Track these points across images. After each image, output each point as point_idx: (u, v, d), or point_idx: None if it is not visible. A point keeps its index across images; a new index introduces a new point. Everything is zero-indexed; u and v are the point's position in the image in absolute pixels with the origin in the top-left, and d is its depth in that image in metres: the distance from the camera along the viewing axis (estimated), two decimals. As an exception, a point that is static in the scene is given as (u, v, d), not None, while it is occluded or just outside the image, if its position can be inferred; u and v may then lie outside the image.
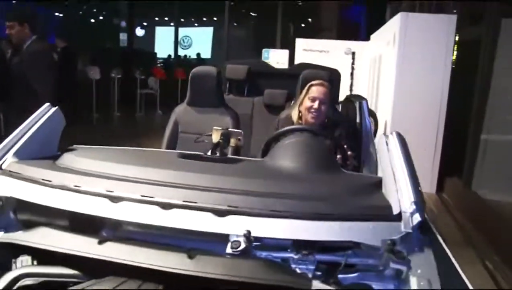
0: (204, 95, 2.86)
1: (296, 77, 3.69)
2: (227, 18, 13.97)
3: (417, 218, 1.30)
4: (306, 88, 2.53)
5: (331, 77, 3.72)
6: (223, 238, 1.28)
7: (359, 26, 15.94)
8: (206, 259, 1.18)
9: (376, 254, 1.29)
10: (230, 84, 3.72)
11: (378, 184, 1.63)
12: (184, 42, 22.39)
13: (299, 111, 2.55)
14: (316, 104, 2.44)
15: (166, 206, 1.29)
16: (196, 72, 2.87)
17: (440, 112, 5.42)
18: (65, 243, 1.25)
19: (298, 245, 1.27)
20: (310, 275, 1.24)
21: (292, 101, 3.43)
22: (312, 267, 1.26)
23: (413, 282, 1.18)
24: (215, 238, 1.30)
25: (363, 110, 3.37)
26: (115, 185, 1.38)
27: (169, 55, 18.52)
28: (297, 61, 11.76)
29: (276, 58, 12.02)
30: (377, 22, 12.52)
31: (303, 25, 18.53)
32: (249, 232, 1.20)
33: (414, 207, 1.32)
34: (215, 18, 22.08)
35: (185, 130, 2.90)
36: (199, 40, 22.27)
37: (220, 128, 1.93)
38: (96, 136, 7.61)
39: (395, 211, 1.33)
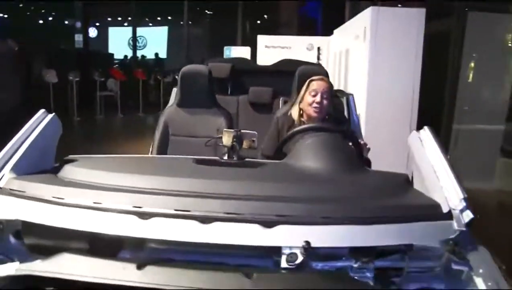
0: (195, 95, 2.73)
1: (280, 74, 3.61)
2: (186, 17, 13.73)
3: (468, 215, 1.27)
4: (306, 84, 2.46)
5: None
6: (271, 251, 1.19)
7: (316, 21, 16.08)
8: (266, 277, 1.08)
9: (433, 256, 1.24)
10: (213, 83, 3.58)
11: (406, 180, 1.59)
12: (138, 42, 21.85)
13: (300, 109, 2.48)
14: (318, 98, 2.37)
15: (206, 220, 1.17)
16: (186, 72, 2.72)
17: (413, 104, 5.50)
18: (100, 271, 1.11)
19: (355, 252, 1.20)
20: (371, 283, 1.17)
21: (281, 98, 3.36)
22: (370, 274, 1.19)
23: (479, 282, 1.14)
24: (260, 252, 1.20)
25: (351, 106, 3.34)
26: (141, 199, 1.24)
27: (126, 56, 17.99)
28: (259, 58, 11.72)
29: (238, 55, 11.94)
30: (337, 17, 12.71)
31: (259, 22, 18.50)
32: (308, 243, 1.11)
33: (464, 204, 1.28)
34: (169, 18, 21.67)
35: (176, 133, 2.75)
36: (154, 40, 21.77)
37: (231, 130, 1.82)
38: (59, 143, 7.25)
39: (445, 209, 1.29)
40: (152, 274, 1.08)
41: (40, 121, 1.59)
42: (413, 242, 1.20)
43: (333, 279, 1.09)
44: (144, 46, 21.87)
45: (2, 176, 1.38)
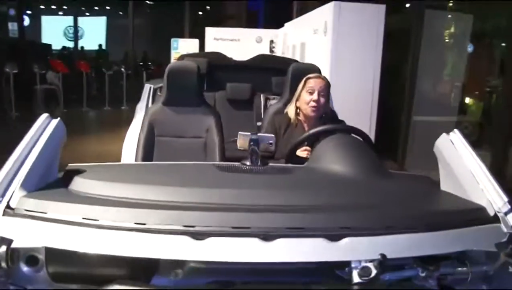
0: (183, 93, 2.59)
1: (257, 69, 3.54)
2: (131, 7, 13.21)
3: None
4: (303, 82, 2.41)
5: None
6: (335, 266, 1.13)
7: (263, 14, 16.06)
8: None
9: (487, 259, 1.24)
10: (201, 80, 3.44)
11: (433, 183, 1.59)
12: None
13: (297, 108, 2.43)
14: (315, 96, 2.34)
15: (268, 237, 1.08)
16: (174, 68, 2.58)
17: (373, 97, 5.63)
18: None
19: (417, 260, 1.17)
20: None
21: (261, 95, 3.29)
22: (433, 282, 1.17)
23: None
24: (323, 267, 1.14)
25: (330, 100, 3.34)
26: (193, 216, 1.11)
27: (64, 47, 17.05)
28: (208, 50, 11.54)
29: (186, 48, 11.68)
30: (284, 10, 12.77)
31: (201, 13, 18.20)
32: (384, 256, 1.06)
33: (509, 206, 1.29)
34: (108, 7, 20.79)
35: (162, 133, 2.60)
36: (92, 31, 20.79)
37: (247, 133, 1.73)
38: None
39: (491, 213, 1.29)
40: None
41: (45, 127, 1.41)
42: (473, 247, 1.19)
43: None
44: (81, 37, 20.87)
45: (12, 194, 1.19)
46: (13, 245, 1.06)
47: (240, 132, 1.74)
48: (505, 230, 1.25)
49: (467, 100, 8.50)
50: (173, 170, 1.63)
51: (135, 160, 2.56)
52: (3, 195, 1.17)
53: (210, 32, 11.59)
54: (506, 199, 1.31)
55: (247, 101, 3.38)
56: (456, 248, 1.18)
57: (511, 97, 3.27)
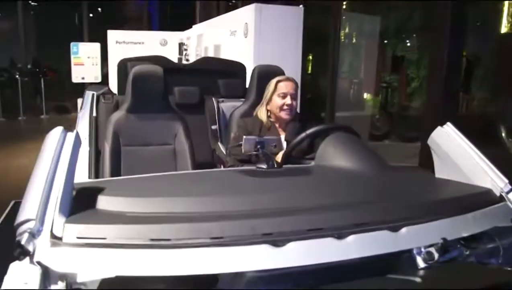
0: (149, 99, 2.48)
1: (203, 72, 3.50)
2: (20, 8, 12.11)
3: None
4: (273, 85, 2.44)
5: (236, 70, 3.66)
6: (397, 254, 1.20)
7: (152, 16, 15.74)
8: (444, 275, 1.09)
9: (505, 233, 1.40)
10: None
11: (426, 171, 1.75)
12: None
13: (268, 110, 2.46)
14: (288, 100, 2.40)
15: (342, 235, 1.12)
16: (139, 72, 2.45)
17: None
18: None
19: (457, 241, 1.28)
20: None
21: (213, 98, 3.27)
22: (473, 259, 1.30)
23: None
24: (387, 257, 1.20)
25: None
26: (268, 223, 1.11)
27: None
28: (111, 55, 11.06)
29: (87, 52, 11.09)
30: (187, 12, 12.67)
31: (91, 15, 17.28)
32: (445, 239, 1.16)
33: (510, 186, 1.47)
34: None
35: (128, 143, 2.46)
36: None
37: (252, 137, 1.74)
38: None
39: (497, 193, 1.46)
40: None
41: (63, 142, 1.29)
42: (497, 224, 1.35)
43: (480, 270, 1.16)
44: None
45: (53, 224, 1.07)
46: (79, 279, 0.97)
47: (245, 137, 1.75)
48: (511, 207, 1.43)
49: (366, 95, 9.24)
50: (195, 179, 1.59)
51: (102, 172, 2.40)
52: (42, 224, 1.05)
53: (112, 35, 11.11)
54: (506, 180, 1.49)
55: (195, 105, 3.32)
56: (485, 227, 1.32)
57: (433, 94, 3.63)
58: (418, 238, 1.18)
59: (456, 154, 1.62)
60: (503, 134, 4.37)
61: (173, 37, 11.12)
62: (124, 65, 3.26)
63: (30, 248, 1.01)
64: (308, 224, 1.12)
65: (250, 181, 1.48)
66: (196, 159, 2.52)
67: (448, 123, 1.71)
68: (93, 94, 3.13)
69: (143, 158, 2.46)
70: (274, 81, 2.46)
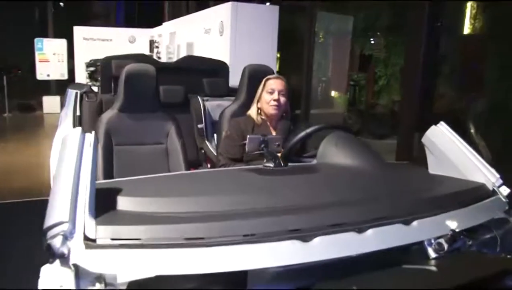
0: (142, 98, 2.48)
1: (186, 71, 3.50)
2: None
3: (506, 189, 1.57)
4: (263, 83, 2.50)
5: (219, 68, 3.69)
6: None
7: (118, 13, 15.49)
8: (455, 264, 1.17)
9: (499, 224, 1.50)
10: (115, 83, 3.24)
11: (420, 167, 1.84)
12: None
13: (258, 108, 2.51)
14: (275, 96, 2.45)
15: (362, 229, 1.18)
16: (132, 72, 2.43)
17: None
18: None
19: (460, 233, 1.37)
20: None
21: (198, 97, 3.28)
22: (474, 248, 1.39)
23: None
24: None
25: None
26: (295, 220, 1.16)
27: None
28: (78, 51, 10.85)
29: (53, 49, 10.81)
30: (155, 10, 12.53)
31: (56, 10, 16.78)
32: (454, 231, 1.24)
33: (501, 181, 1.58)
34: None
35: (121, 142, 2.45)
36: None
37: (256, 136, 1.79)
38: None
39: (490, 187, 1.57)
40: None
41: (82, 143, 1.29)
42: (493, 216, 1.45)
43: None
44: None
45: (84, 226, 1.07)
46: (119, 280, 0.98)
47: (249, 136, 1.79)
48: (504, 200, 1.54)
49: (333, 93, 9.44)
50: (212, 178, 1.61)
51: None
52: (74, 226, 1.05)
53: (79, 32, 10.91)
54: (498, 175, 1.60)
55: (180, 104, 3.32)
56: (483, 219, 1.42)
57: (410, 93, 3.77)
58: (428, 230, 1.26)
59: (450, 151, 1.72)
60: (472, 131, 4.58)
61: (142, 34, 11.01)
62: (108, 64, 3.22)
63: (64, 250, 1.02)
64: (331, 219, 1.18)
65: (265, 179, 1.53)
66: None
67: (442, 122, 1.81)
68: (76, 93, 3.08)
69: (135, 157, 2.45)
70: (264, 79, 2.51)
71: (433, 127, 1.81)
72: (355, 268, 1.17)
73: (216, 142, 3.18)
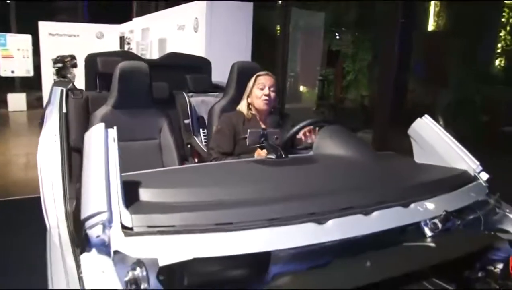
0: (136, 95, 2.53)
1: (171, 68, 3.55)
2: None
3: (485, 175, 1.74)
4: (254, 79, 2.60)
5: (202, 65, 3.76)
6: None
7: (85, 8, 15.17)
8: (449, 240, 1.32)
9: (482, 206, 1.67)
10: (100, 80, 3.27)
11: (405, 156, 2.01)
12: None
13: (248, 103, 2.61)
14: (266, 91, 2.56)
15: (368, 211, 1.32)
16: (126, 69, 2.48)
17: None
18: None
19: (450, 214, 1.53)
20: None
21: (184, 93, 3.35)
22: (462, 227, 1.55)
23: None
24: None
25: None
26: (311, 205, 1.28)
27: None
28: (43, 47, 10.60)
29: (17, 44, 10.52)
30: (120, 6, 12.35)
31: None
32: (447, 211, 1.39)
33: (481, 167, 1.76)
34: None
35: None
36: None
37: (256, 130, 1.90)
38: None
39: (472, 173, 1.74)
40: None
41: (107, 138, 1.37)
42: (477, 199, 1.61)
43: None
44: None
45: (120, 215, 1.15)
46: (160, 263, 1.06)
47: (249, 130, 1.90)
48: (484, 184, 1.71)
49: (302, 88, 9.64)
50: (225, 169, 1.71)
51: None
52: (112, 216, 1.14)
53: (45, 27, 10.64)
54: (478, 163, 1.77)
55: (165, 100, 3.38)
56: (469, 201, 1.58)
57: (385, 88, 3.96)
58: (424, 212, 1.41)
59: (435, 141, 1.88)
60: (441, 123, 4.84)
61: (110, 30, 10.86)
62: (92, 61, 3.25)
63: (105, 238, 1.10)
64: (340, 203, 1.31)
65: (273, 169, 1.64)
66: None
67: (426, 115, 1.97)
68: (62, 90, 3.09)
69: (130, 152, 2.50)
70: (254, 76, 2.61)
71: (418, 120, 1.97)
72: (366, 247, 1.29)
73: (202, 137, 3.27)
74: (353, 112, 8.07)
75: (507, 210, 1.73)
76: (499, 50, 5.19)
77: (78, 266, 1.27)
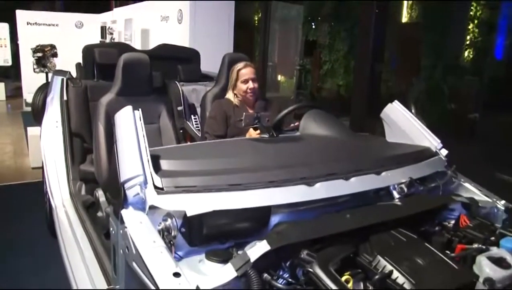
0: (137, 83, 2.79)
1: (163, 58, 3.79)
2: None
3: (445, 151, 2.08)
4: (235, 73, 2.85)
5: (191, 56, 4.01)
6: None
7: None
8: (412, 200, 1.65)
9: (441, 176, 2.00)
10: (98, 70, 3.48)
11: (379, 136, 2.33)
12: None
13: (235, 94, 2.88)
14: (250, 84, 2.83)
15: (348, 177, 1.65)
16: (129, 59, 2.73)
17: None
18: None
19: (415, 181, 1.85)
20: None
21: (177, 82, 3.60)
22: (425, 192, 1.88)
23: (468, 185, 1.97)
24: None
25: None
26: (303, 171, 1.60)
27: None
28: (22, 37, 10.57)
29: (-5, 34, 10.47)
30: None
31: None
32: (411, 178, 1.72)
33: (441, 145, 2.09)
34: None
35: None
36: None
37: (252, 113, 2.19)
38: None
39: (434, 149, 2.07)
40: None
41: (134, 117, 1.62)
42: (437, 169, 1.95)
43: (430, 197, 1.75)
44: None
45: (152, 178, 1.43)
46: (189, 214, 1.35)
47: (245, 113, 2.19)
48: (443, 158, 2.05)
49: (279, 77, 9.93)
50: (231, 145, 2.03)
51: (96, 149, 2.67)
52: (146, 178, 1.43)
53: (22, 16, 10.59)
54: (439, 141, 2.11)
55: (161, 89, 3.61)
56: (430, 171, 1.91)
57: (361, 77, 4.27)
58: (393, 178, 1.73)
59: (403, 123, 2.21)
60: (413, 111, 5.21)
61: (90, 20, 10.90)
62: (90, 51, 3.46)
63: (143, 196, 1.38)
64: (326, 170, 1.63)
65: (269, 145, 1.96)
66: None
67: (396, 101, 2.29)
68: (62, 79, 3.31)
69: None
70: (235, 69, 2.86)
71: (389, 105, 2.29)
72: (346, 206, 1.61)
73: (194, 122, 3.54)
74: (330, 101, 8.41)
75: (462, 180, 2.08)
76: (467, 43, 5.56)
77: (88, 234, 1.53)
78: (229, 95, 2.91)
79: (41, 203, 3.84)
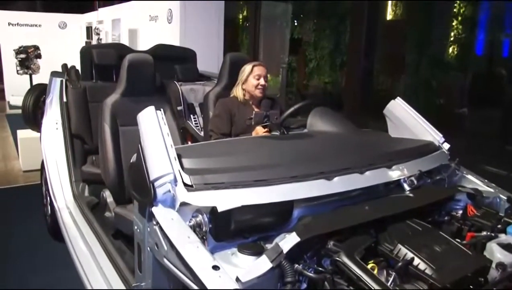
0: (141, 84, 2.81)
1: (161, 58, 3.81)
2: None
3: (447, 145, 2.18)
4: (250, 69, 2.92)
5: (188, 55, 4.05)
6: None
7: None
8: (423, 192, 1.73)
9: (445, 169, 2.09)
10: (96, 70, 3.49)
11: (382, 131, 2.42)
12: None
13: (243, 90, 2.94)
14: (262, 81, 2.90)
15: (362, 171, 1.73)
16: (133, 60, 2.75)
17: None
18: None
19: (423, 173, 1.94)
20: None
21: (176, 83, 3.64)
22: (430, 184, 1.96)
23: (470, 177, 2.07)
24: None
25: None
26: (322, 165, 1.68)
27: None
28: (3, 38, 10.43)
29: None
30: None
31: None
32: (421, 171, 1.80)
33: (443, 139, 2.19)
34: None
35: (125, 123, 2.75)
36: None
37: (261, 112, 2.25)
38: None
39: (437, 144, 2.16)
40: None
41: (158, 118, 1.67)
42: (441, 163, 2.04)
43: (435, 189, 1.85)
44: None
45: (182, 176, 1.48)
46: (220, 209, 1.39)
47: (254, 112, 2.25)
48: (446, 152, 2.14)
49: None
50: (249, 143, 2.08)
51: (102, 150, 2.68)
52: (175, 176, 1.48)
53: (3, 16, 10.45)
54: (441, 135, 2.20)
55: (158, 89, 3.64)
56: (435, 165, 2.00)
57: (354, 72, 4.37)
58: (403, 171, 1.81)
59: (406, 119, 2.29)
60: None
61: (73, 20, 10.81)
62: (88, 52, 3.47)
63: (174, 193, 1.43)
64: (342, 165, 1.70)
65: (284, 142, 2.02)
66: None
67: (398, 97, 2.38)
68: (61, 81, 3.32)
69: (138, 136, 2.78)
70: (250, 65, 2.94)
71: (392, 101, 2.37)
72: (363, 198, 1.69)
73: (193, 121, 3.58)
74: (317, 98, 8.51)
75: (464, 172, 2.17)
76: (452, 39, 5.69)
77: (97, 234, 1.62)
78: (237, 91, 2.97)
79: (38, 205, 3.84)
